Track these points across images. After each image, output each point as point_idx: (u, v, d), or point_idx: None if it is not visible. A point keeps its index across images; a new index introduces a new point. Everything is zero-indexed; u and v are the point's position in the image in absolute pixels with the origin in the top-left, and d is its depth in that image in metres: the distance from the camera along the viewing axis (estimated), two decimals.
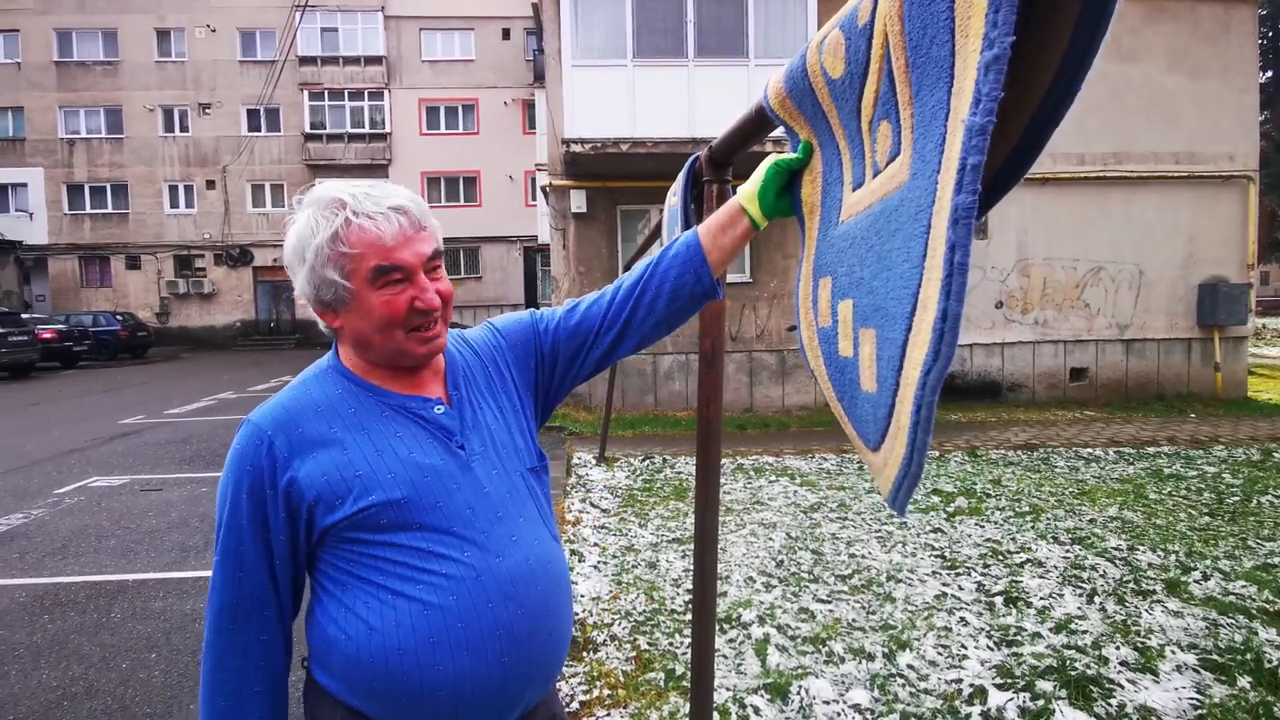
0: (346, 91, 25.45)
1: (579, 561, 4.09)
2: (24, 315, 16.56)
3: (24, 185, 24.93)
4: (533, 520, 1.05)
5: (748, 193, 1.12)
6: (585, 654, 3.04)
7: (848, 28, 0.86)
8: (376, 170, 25.35)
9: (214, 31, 25.22)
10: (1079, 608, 3.39)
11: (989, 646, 3.02)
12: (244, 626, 0.97)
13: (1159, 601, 3.43)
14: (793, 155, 1.11)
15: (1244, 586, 3.57)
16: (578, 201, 9.40)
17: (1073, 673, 2.74)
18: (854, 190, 0.93)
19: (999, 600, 3.49)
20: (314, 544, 0.98)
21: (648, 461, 6.83)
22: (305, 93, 25.33)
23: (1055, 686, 2.65)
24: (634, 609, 3.48)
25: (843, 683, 2.76)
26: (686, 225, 1.88)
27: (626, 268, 7.33)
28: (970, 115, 0.59)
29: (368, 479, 0.96)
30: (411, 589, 0.95)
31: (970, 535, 4.47)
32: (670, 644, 3.11)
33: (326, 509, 0.95)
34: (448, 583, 0.95)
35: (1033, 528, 4.57)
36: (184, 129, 25.48)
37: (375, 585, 0.96)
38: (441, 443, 1.02)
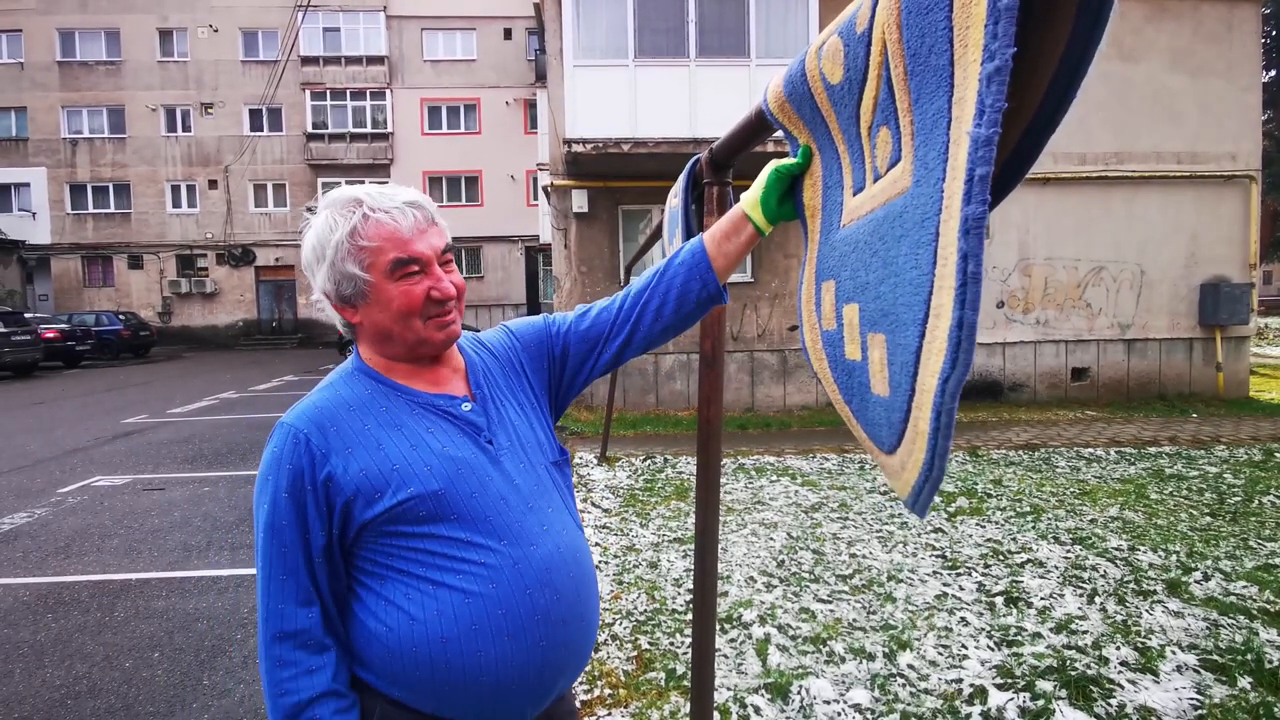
0: (348, 91, 25.48)
1: None
2: (27, 315, 16.59)
3: (27, 185, 24.99)
4: (560, 511, 1.09)
5: (750, 200, 1.14)
6: None
7: (846, 34, 0.87)
8: (378, 170, 25.38)
9: (216, 31, 25.26)
10: (1079, 608, 3.39)
11: (989, 646, 3.02)
12: (293, 637, 0.95)
13: (1160, 602, 3.43)
14: (793, 160, 1.12)
15: (1245, 587, 3.57)
16: (579, 201, 9.41)
17: (1073, 673, 2.74)
18: (854, 195, 0.93)
19: (999, 600, 3.49)
20: (350, 542, 0.99)
21: (649, 461, 6.84)
22: (307, 92, 25.36)
23: (1055, 686, 2.66)
24: (635, 609, 3.49)
25: (843, 682, 2.77)
26: (687, 226, 1.89)
27: (628, 267, 7.35)
28: (975, 127, 0.59)
29: (404, 472, 0.98)
30: (452, 579, 0.97)
31: (971, 535, 4.48)
32: (671, 644, 3.12)
33: (365, 503, 0.96)
34: (487, 571, 0.98)
35: (1034, 528, 4.57)
36: (186, 129, 25.53)
37: (415, 577, 0.97)
38: (471, 438, 1.04)
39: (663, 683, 2.79)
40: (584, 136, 8.38)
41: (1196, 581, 3.65)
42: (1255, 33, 9.87)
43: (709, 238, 1.17)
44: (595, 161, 8.70)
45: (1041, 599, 3.49)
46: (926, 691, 2.69)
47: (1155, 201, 9.78)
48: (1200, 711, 2.53)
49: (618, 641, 3.16)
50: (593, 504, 5.37)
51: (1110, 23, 0.61)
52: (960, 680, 2.75)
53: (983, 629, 3.18)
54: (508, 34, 25.68)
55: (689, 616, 3.34)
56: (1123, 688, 2.68)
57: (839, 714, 2.56)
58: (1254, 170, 9.87)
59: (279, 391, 12.77)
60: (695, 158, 1.72)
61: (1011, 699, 2.58)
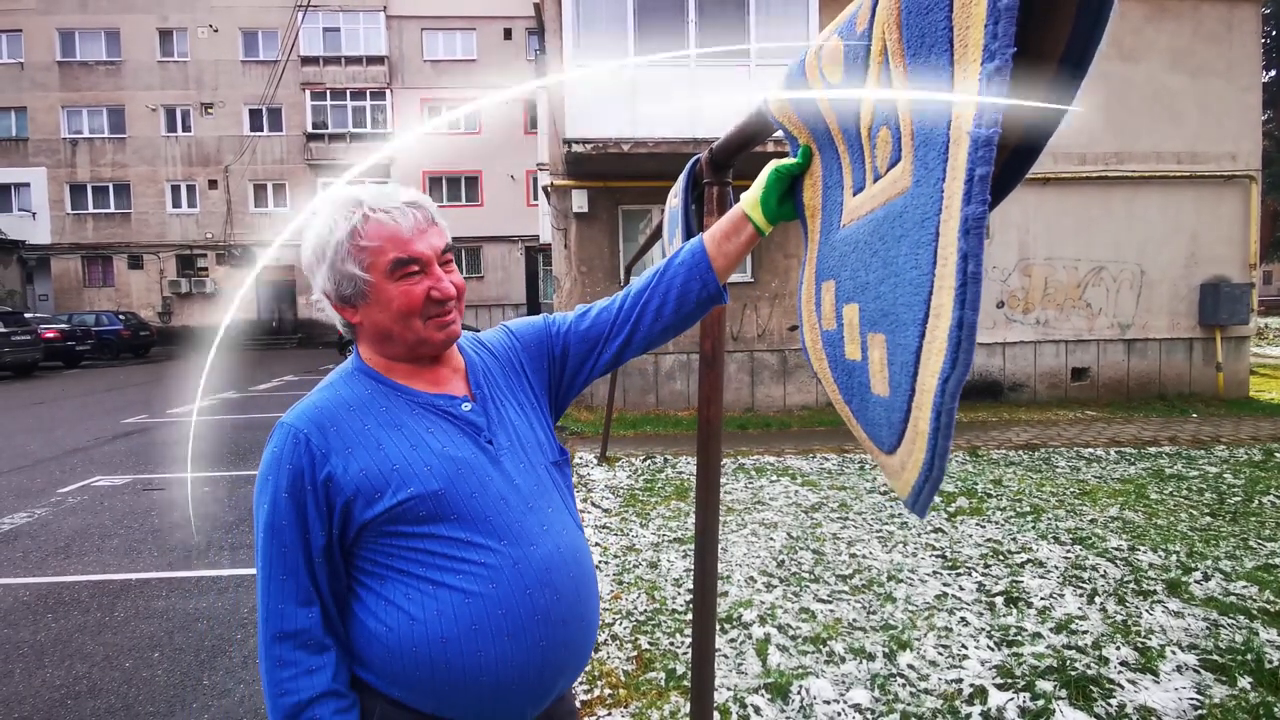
0: (348, 91, 25.49)
1: None
2: (27, 315, 16.59)
3: (27, 185, 25.00)
4: (560, 511, 1.09)
5: (750, 200, 1.14)
6: None
7: (846, 34, 0.87)
8: (378, 170, 25.36)
9: (216, 31, 25.27)
10: (1079, 608, 3.39)
11: (989, 646, 3.02)
12: (293, 637, 0.96)
13: (1160, 602, 3.43)
14: (793, 160, 1.12)
15: (1245, 587, 3.57)
16: (579, 201, 9.40)
17: (1073, 673, 2.74)
18: (854, 195, 0.93)
19: (999, 600, 3.49)
20: (350, 542, 0.99)
21: (649, 461, 6.84)
22: (307, 92, 25.36)
23: (1055, 686, 2.66)
24: (635, 609, 3.49)
25: (843, 682, 2.77)
26: (687, 226, 1.89)
27: (628, 267, 7.35)
28: (975, 127, 0.59)
29: (404, 472, 0.97)
30: (452, 579, 0.97)
31: (971, 535, 4.48)
32: (671, 644, 3.12)
33: (365, 503, 0.96)
34: (486, 571, 0.98)
35: (1034, 528, 4.57)
36: (186, 129, 25.54)
37: (415, 577, 0.97)
38: (471, 438, 1.04)
39: (663, 683, 2.79)
40: (584, 136, 8.38)
41: (1196, 581, 3.65)
42: (1255, 33, 9.87)
43: (709, 238, 1.17)
44: (595, 161, 8.70)
45: (1041, 599, 3.49)
46: (926, 691, 2.69)
47: (1155, 201, 9.78)
48: (1200, 711, 2.53)
49: (618, 641, 3.16)
50: (593, 504, 5.37)
51: (1110, 23, 0.61)
52: (960, 680, 2.75)
53: (983, 629, 3.18)
54: (508, 34, 25.69)
55: (689, 616, 3.34)
56: (1123, 688, 2.68)
57: (839, 714, 2.56)
58: (1254, 170, 9.87)
59: (279, 391, 12.77)
60: (695, 158, 1.72)
61: (1011, 699, 2.58)
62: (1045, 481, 5.82)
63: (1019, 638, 3.08)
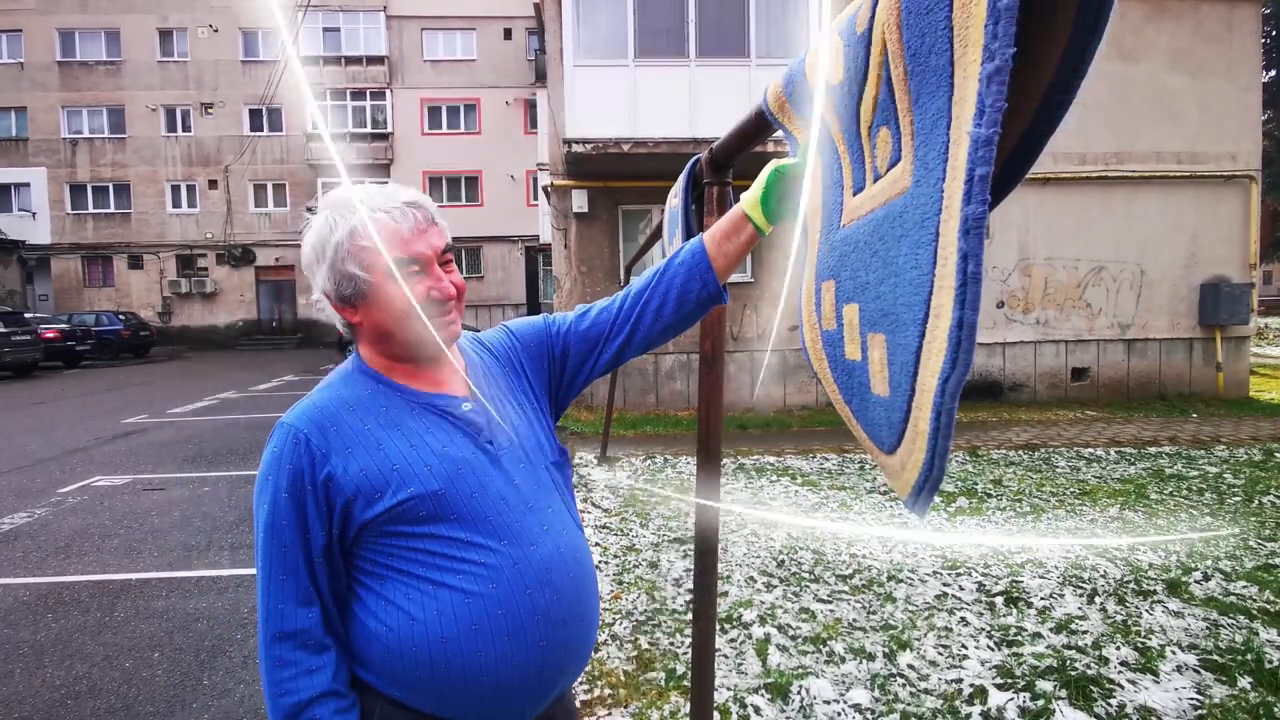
0: (349, 91, 25.48)
1: None
2: (27, 315, 16.59)
3: (27, 185, 25.00)
4: (560, 511, 1.09)
5: (750, 200, 1.14)
6: None
7: (846, 35, 0.87)
8: (378, 170, 25.38)
9: (216, 31, 25.28)
10: (1079, 608, 3.39)
11: (989, 646, 3.02)
12: (293, 637, 0.95)
13: (1159, 602, 3.43)
14: (793, 160, 1.12)
15: (1245, 587, 3.57)
16: (579, 201, 9.41)
17: (1073, 673, 2.74)
18: (854, 195, 0.93)
19: (999, 600, 3.49)
20: (350, 542, 0.99)
21: (649, 461, 6.84)
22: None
23: (1055, 686, 2.66)
24: (635, 608, 3.49)
25: (843, 682, 2.77)
26: (687, 226, 1.89)
27: (628, 267, 7.35)
28: (975, 127, 0.59)
29: (404, 472, 0.97)
30: (452, 579, 0.97)
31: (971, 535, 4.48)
32: (671, 643, 3.12)
33: (365, 503, 0.96)
34: (486, 571, 0.98)
35: (1034, 528, 4.57)
36: (186, 129, 25.54)
37: (415, 577, 0.97)
38: (471, 438, 1.04)
39: (663, 682, 2.79)
40: (584, 136, 8.38)
41: (1196, 581, 3.65)
42: (1255, 33, 9.87)
43: (709, 238, 1.17)
44: (595, 161, 8.70)
45: (1041, 599, 3.49)
46: (926, 691, 2.69)
47: (1155, 201, 9.78)
48: (1200, 711, 2.53)
49: (618, 641, 3.16)
50: (593, 504, 5.37)
51: (1110, 23, 0.61)
52: (960, 680, 2.76)
53: (983, 629, 3.18)
54: (508, 34, 25.68)
55: (689, 616, 3.34)
56: (1123, 688, 2.68)
57: (839, 714, 2.56)
58: (1254, 170, 9.87)
59: (279, 391, 12.77)
60: (695, 158, 1.72)
61: (1011, 699, 2.58)
62: (1045, 481, 5.82)
63: (1019, 638, 3.08)
